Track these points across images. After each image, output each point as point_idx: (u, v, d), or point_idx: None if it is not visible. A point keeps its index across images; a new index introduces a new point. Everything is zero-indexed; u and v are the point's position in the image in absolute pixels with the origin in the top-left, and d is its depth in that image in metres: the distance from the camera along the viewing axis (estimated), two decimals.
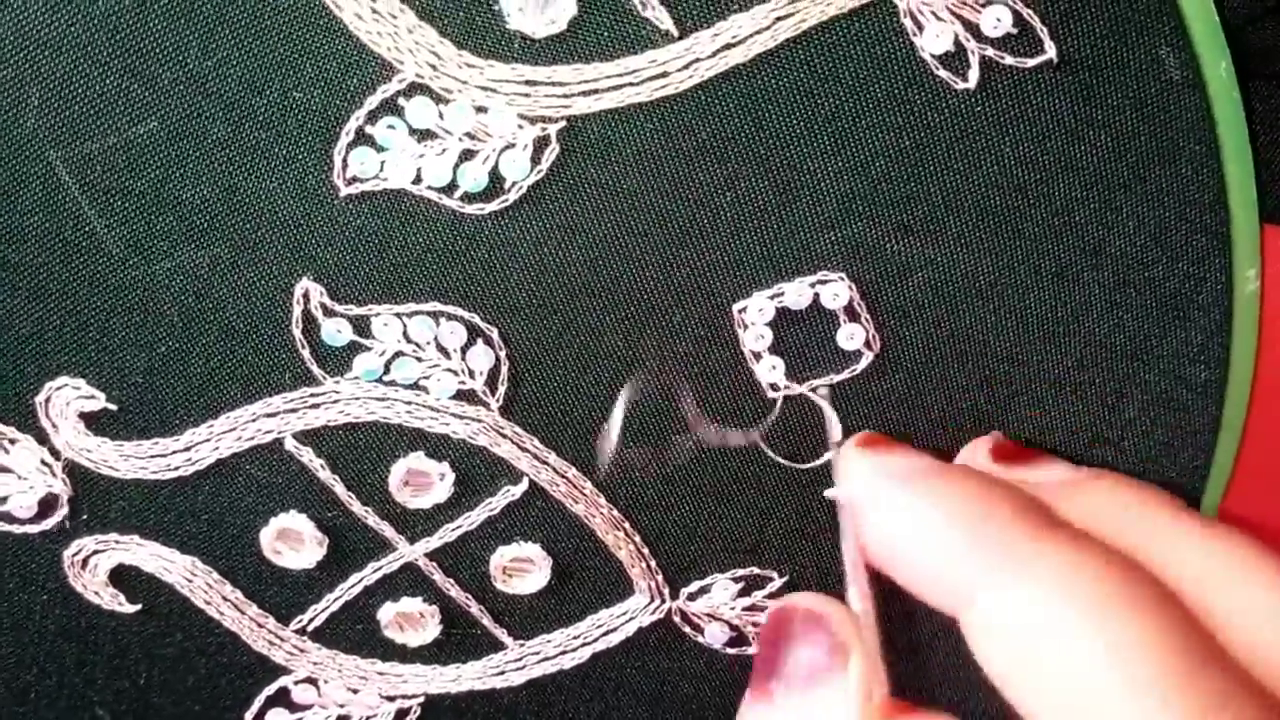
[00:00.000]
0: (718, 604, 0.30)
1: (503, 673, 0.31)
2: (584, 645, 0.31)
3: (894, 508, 0.24)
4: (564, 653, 0.31)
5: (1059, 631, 0.21)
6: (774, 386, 0.28)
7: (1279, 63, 0.29)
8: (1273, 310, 0.30)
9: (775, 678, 0.24)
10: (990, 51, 0.25)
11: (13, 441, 0.27)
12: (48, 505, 0.28)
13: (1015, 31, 0.25)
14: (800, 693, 0.23)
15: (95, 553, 0.28)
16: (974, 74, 0.25)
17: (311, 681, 0.31)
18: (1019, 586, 0.21)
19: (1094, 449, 0.29)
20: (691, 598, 0.30)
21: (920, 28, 0.24)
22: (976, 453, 0.28)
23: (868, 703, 0.23)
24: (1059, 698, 0.20)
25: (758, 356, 0.27)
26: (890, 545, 0.24)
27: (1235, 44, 0.26)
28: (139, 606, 0.29)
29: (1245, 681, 0.20)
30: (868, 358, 0.27)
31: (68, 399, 0.27)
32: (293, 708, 0.31)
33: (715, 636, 0.31)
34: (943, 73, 0.25)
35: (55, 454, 0.27)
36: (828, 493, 0.27)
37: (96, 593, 0.29)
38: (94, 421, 0.27)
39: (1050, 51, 0.25)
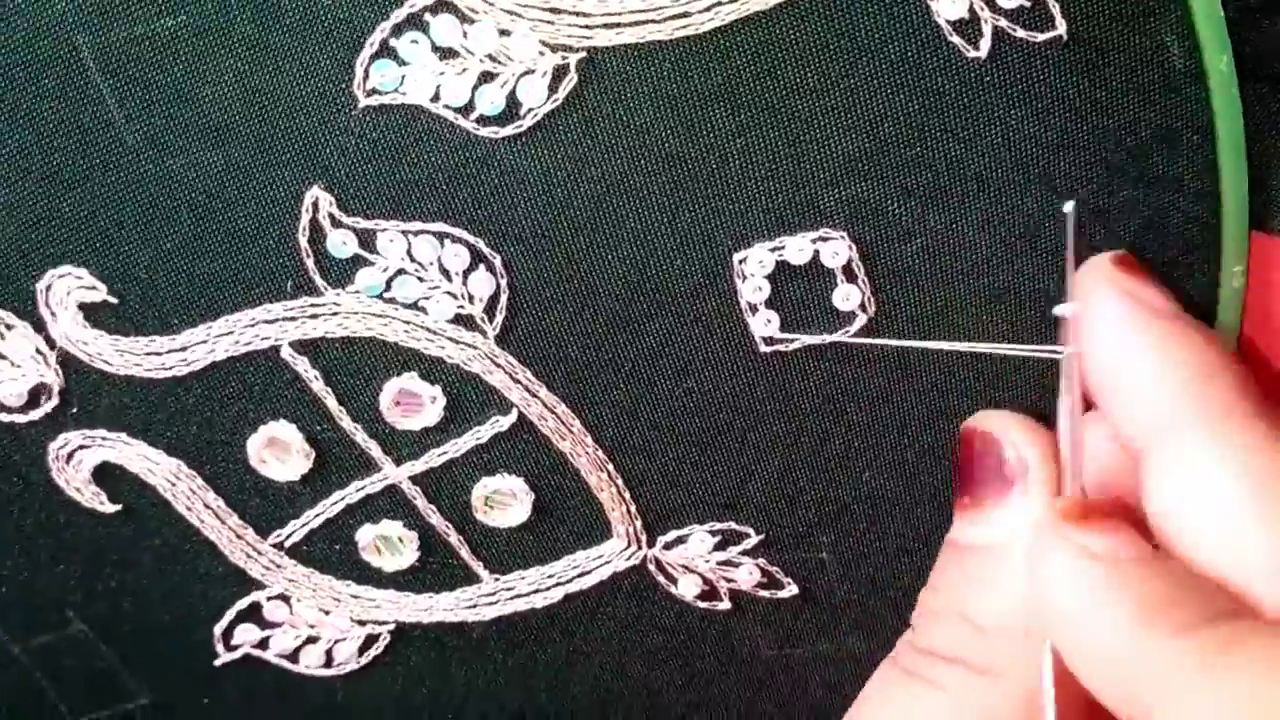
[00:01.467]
0: (693, 555, 0.31)
1: (475, 606, 0.31)
2: (558, 585, 0.31)
3: (1136, 333, 0.26)
4: (537, 591, 0.31)
5: (1227, 499, 0.23)
6: (768, 340, 0.28)
7: (1274, 66, 0.30)
8: (1259, 314, 0.31)
9: (965, 492, 0.27)
10: (1003, 22, 0.25)
11: (9, 327, 0.27)
12: (37, 394, 0.28)
13: (1028, 5, 0.25)
14: (983, 511, 0.26)
15: (81, 448, 0.29)
16: (986, 43, 0.25)
17: (284, 599, 0.31)
18: (1208, 449, 0.24)
19: None
20: (668, 547, 0.31)
21: None
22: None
23: (1051, 507, 0.25)
24: (1211, 553, 0.23)
25: (754, 309, 0.28)
26: (1115, 368, 0.26)
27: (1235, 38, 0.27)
28: (119, 507, 0.29)
29: None
30: (862, 320, 0.28)
31: (69, 288, 0.27)
32: (263, 624, 0.31)
33: (688, 589, 0.31)
34: (955, 39, 0.25)
35: (50, 343, 0.27)
36: (1058, 309, 0.27)
37: (78, 489, 0.29)
38: (93, 314, 0.27)
39: (1061, 28, 0.25)
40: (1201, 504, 0.24)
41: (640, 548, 0.31)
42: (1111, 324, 0.26)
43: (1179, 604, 0.22)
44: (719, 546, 0.31)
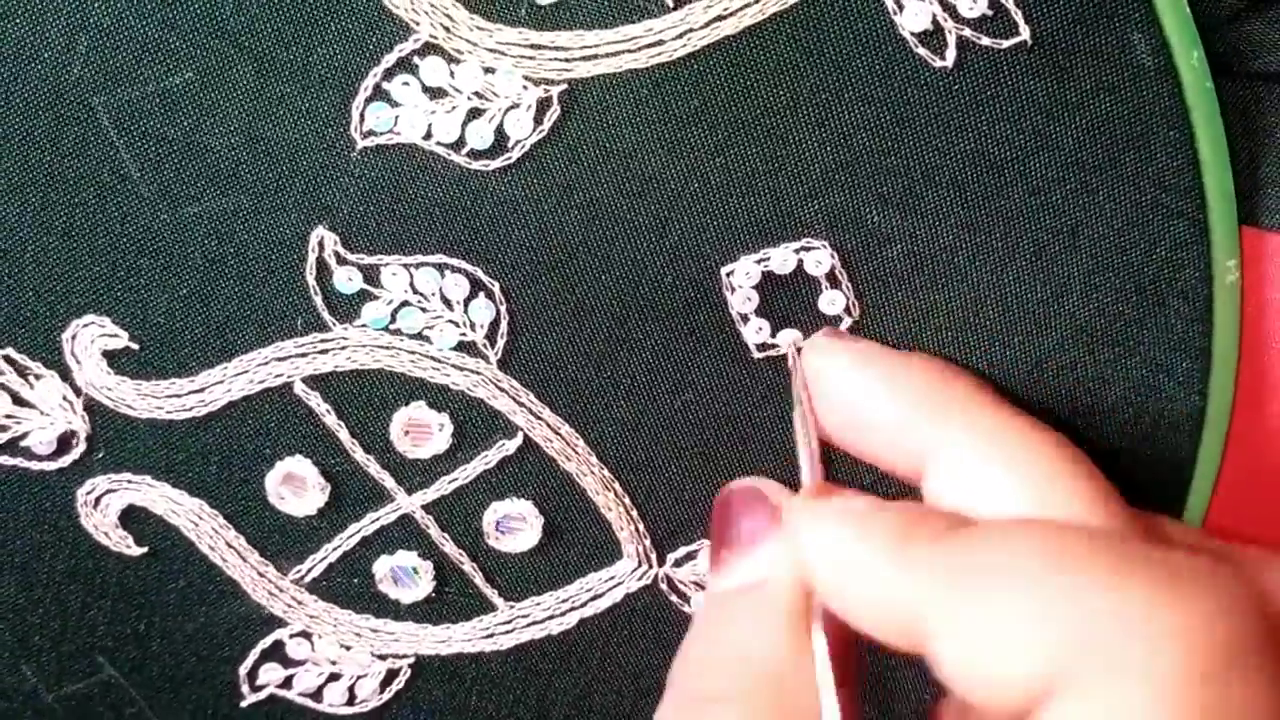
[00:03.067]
0: (704, 572, 0.31)
1: (491, 635, 0.32)
2: (572, 609, 0.32)
3: (859, 371, 0.27)
4: (552, 617, 0.32)
5: (1010, 494, 0.25)
6: (760, 347, 0.29)
7: (1253, 62, 0.31)
8: (1254, 308, 0.31)
9: (725, 547, 0.28)
10: (967, 32, 0.26)
11: (38, 377, 0.29)
12: (65, 442, 0.29)
13: (990, 13, 0.26)
14: (746, 554, 0.27)
15: (108, 492, 0.30)
16: (951, 53, 0.27)
17: (306, 636, 0.32)
18: (978, 448, 0.25)
19: (1077, 436, 0.30)
20: (678, 564, 0.31)
21: (900, 6, 0.26)
22: None
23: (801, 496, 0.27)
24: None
25: (745, 319, 0.29)
26: (852, 411, 0.27)
27: (1211, 44, 0.28)
28: (145, 549, 0.30)
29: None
30: (847, 323, 0.29)
31: (92, 336, 0.28)
32: (286, 662, 0.32)
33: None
34: (921, 51, 0.27)
35: (76, 391, 0.29)
36: (783, 345, 0.29)
37: (106, 533, 0.30)
38: (115, 360, 0.29)
39: (1024, 33, 0.26)
40: (982, 494, 0.25)
41: (651, 566, 0.31)
42: (842, 367, 0.28)
43: (927, 520, 0.24)
44: None
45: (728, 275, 0.28)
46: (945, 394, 0.27)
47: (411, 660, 0.32)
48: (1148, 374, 0.30)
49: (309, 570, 0.31)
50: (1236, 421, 0.31)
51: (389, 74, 0.26)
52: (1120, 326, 0.29)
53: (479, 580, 0.31)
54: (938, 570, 0.22)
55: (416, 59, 0.26)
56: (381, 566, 0.31)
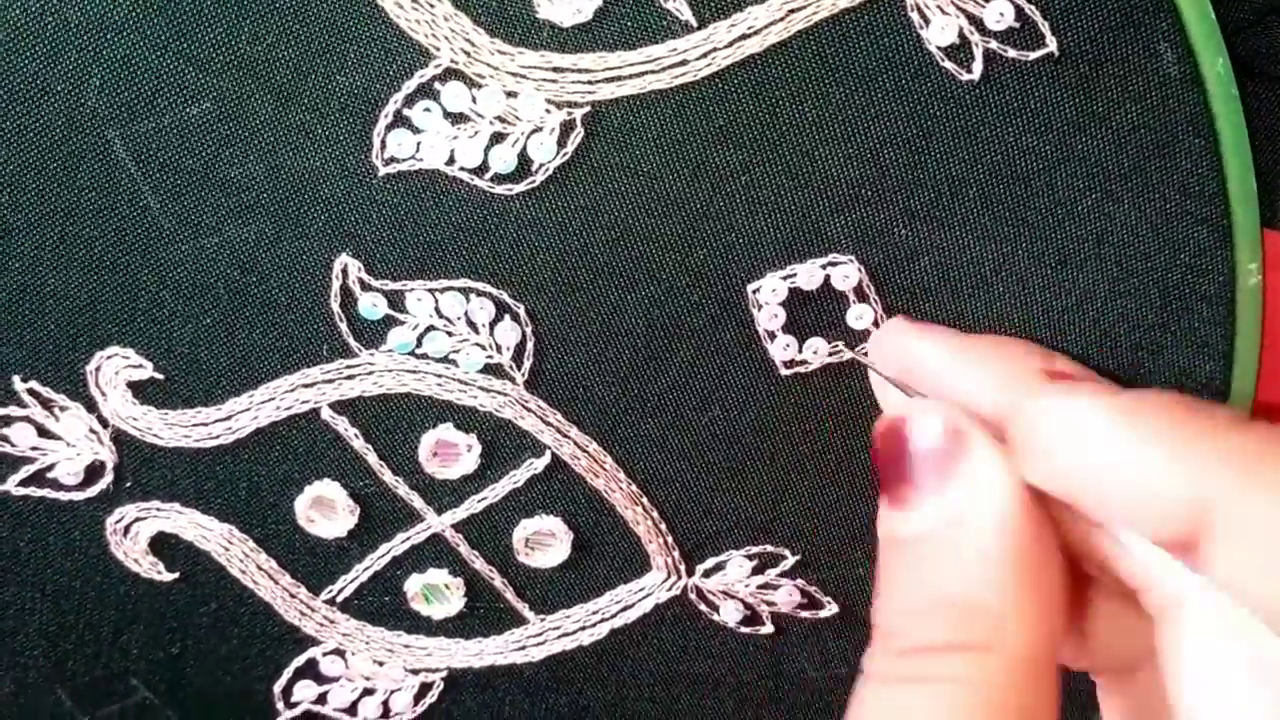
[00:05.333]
0: (732, 581, 0.31)
1: (524, 648, 0.32)
2: (603, 621, 0.32)
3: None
4: (583, 628, 0.32)
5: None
6: (788, 364, 0.29)
7: (1277, 65, 0.30)
8: (1273, 312, 0.31)
9: (904, 483, 0.24)
10: (994, 44, 0.26)
11: (63, 409, 0.28)
12: (93, 472, 0.29)
13: (1018, 25, 0.26)
14: (936, 488, 0.24)
15: (137, 520, 0.30)
16: (978, 66, 0.26)
17: (339, 653, 0.32)
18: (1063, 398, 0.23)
19: None
20: (707, 574, 0.31)
21: (926, 21, 0.26)
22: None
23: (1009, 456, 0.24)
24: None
25: (772, 335, 0.29)
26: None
27: (1235, 47, 0.28)
28: (176, 575, 0.31)
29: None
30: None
31: (117, 368, 0.28)
32: (320, 679, 0.32)
33: (730, 615, 0.32)
34: (948, 64, 0.26)
35: (103, 422, 0.29)
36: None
37: (136, 560, 0.30)
38: (140, 390, 0.28)
39: (1051, 45, 0.26)
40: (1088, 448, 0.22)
41: (680, 577, 0.31)
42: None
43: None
44: (757, 570, 0.31)
45: (754, 292, 0.28)
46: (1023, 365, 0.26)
47: (444, 674, 0.32)
48: (1171, 378, 0.30)
49: (340, 590, 0.31)
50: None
51: (410, 100, 0.26)
52: (1144, 332, 0.29)
53: (510, 595, 0.31)
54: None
55: (438, 84, 0.26)
56: (413, 584, 0.31)
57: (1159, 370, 0.30)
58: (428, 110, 0.26)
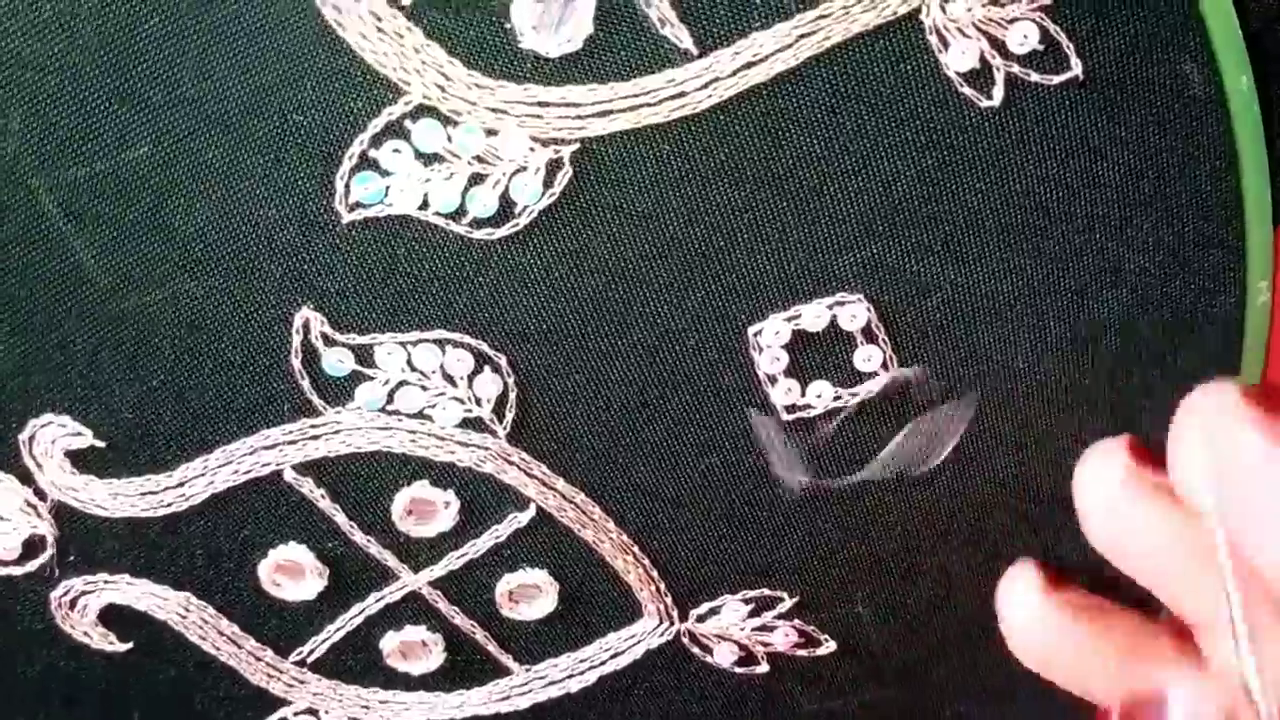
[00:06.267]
0: (727, 625, 0.30)
1: (508, 698, 0.30)
2: (591, 669, 0.30)
3: None
4: (570, 676, 0.30)
5: None
6: (790, 409, 0.27)
7: None
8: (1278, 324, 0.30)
9: None
10: (1016, 68, 0.24)
11: None
12: (33, 546, 0.27)
13: (1041, 48, 0.24)
14: None
15: (84, 593, 0.27)
16: (999, 91, 0.24)
17: (312, 713, 0.30)
18: None
19: None
20: (701, 619, 0.30)
21: (945, 45, 0.24)
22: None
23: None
24: None
25: (773, 380, 0.27)
26: None
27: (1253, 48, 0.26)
28: (130, 645, 0.28)
29: None
30: (884, 379, 0.27)
31: (53, 437, 0.25)
32: None
33: (724, 657, 0.30)
34: (967, 90, 0.24)
35: (40, 494, 0.26)
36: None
37: (86, 633, 0.28)
38: (81, 459, 0.26)
39: (1076, 68, 0.24)
40: None
41: (672, 623, 0.30)
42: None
43: None
44: (753, 613, 0.30)
45: (755, 335, 0.26)
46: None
47: None
48: (1179, 399, 0.29)
49: (311, 651, 0.29)
50: None
51: (377, 140, 0.23)
52: (1157, 359, 0.28)
53: (492, 648, 0.30)
54: None
55: (408, 122, 0.23)
56: (389, 643, 0.29)
57: (1170, 397, 0.28)
58: (397, 151, 0.23)
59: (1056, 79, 0.24)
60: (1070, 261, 0.26)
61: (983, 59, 0.24)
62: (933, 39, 0.24)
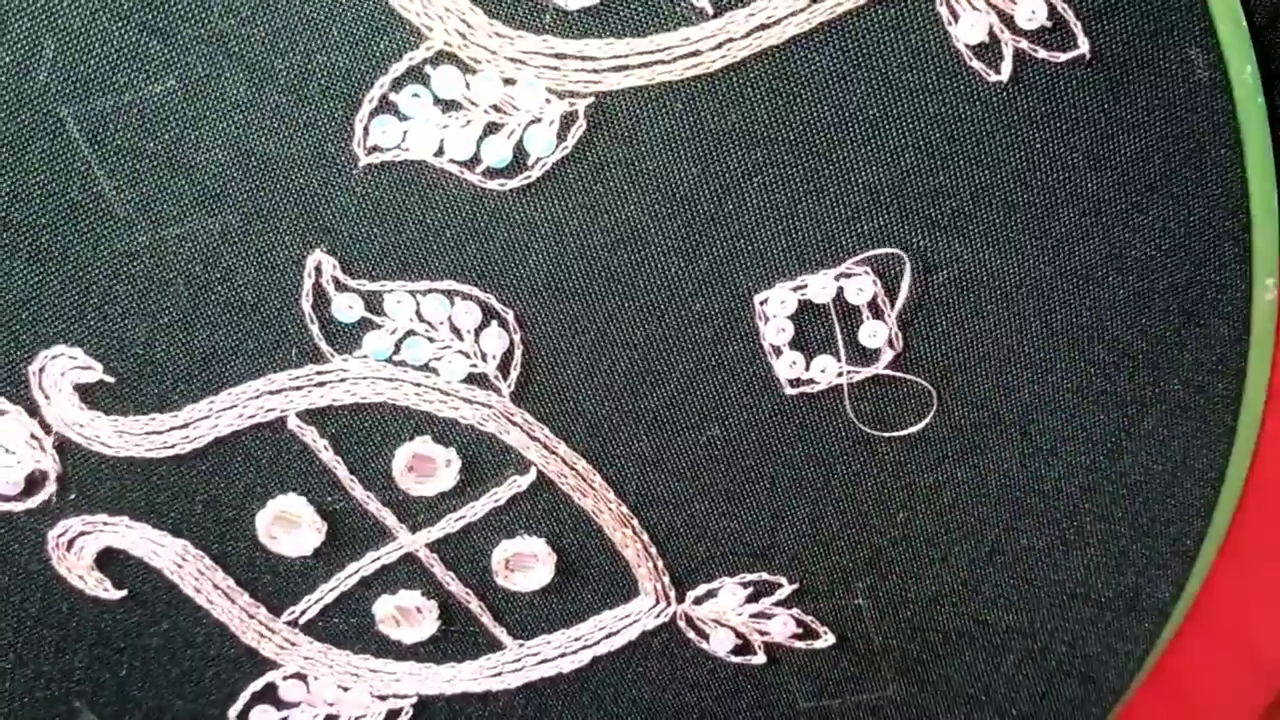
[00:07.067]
0: (725, 609, 0.29)
1: (499, 674, 0.30)
2: (585, 648, 0.30)
3: None
4: (563, 655, 0.30)
5: None
6: (794, 382, 0.27)
7: None
8: None
9: None
10: (1024, 44, 0.24)
11: (2, 413, 0.26)
12: (34, 482, 0.27)
13: (1049, 25, 0.24)
14: None
15: (82, 534, 0.27)
16: (1007, 66, 0.25)
17: (301, 677, 0.30)
18: None
19: (1114, 459, 0.29)
20: (698, 601, 0.29)
21: (956, 16, 0.24)
22: None
23: None
24: None
25: (778, 351, 0.27)
26: None
27: (1258, 45, 0.26)
28: (124, 593, 0.28)
29: None
30: (889, 356, 0.27)
31: (63, 369, 0.25)
32: (279, 704, 0.30)
33: (720, 643, 0.30)
34: (976, 64, 0.25)
35: (46, 428, 0.26)
36: None
37: (81, 577, 0.28)
38: (89, 394, 0.26)
39: (1083, 46, 0.24)
40: None
41: (669, 604, 0.29)
42: None
43: None
44: (752, 598, 0.30)
45: (761, 304, 0.26)
46: None
47: (414, 700, 0.30)
48: (1186, 396, 0.28)
49: (303, 611, 0.29)
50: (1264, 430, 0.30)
51: (397, 84, 0.24)
52: (1162, 349, 0.28)
53: (486, 619, 0.29)
54: None
55: (428, 68, 0.24)
56: (383, 607, 0.29)
57: (1174, 389, 0.28)
58: (416, 96, 0.24)
59: (1063, 56, 0.25)
60: (1076, 243, 0.26)
61: (991, 33, 0.24)
62: (943, 10, 0.24)
